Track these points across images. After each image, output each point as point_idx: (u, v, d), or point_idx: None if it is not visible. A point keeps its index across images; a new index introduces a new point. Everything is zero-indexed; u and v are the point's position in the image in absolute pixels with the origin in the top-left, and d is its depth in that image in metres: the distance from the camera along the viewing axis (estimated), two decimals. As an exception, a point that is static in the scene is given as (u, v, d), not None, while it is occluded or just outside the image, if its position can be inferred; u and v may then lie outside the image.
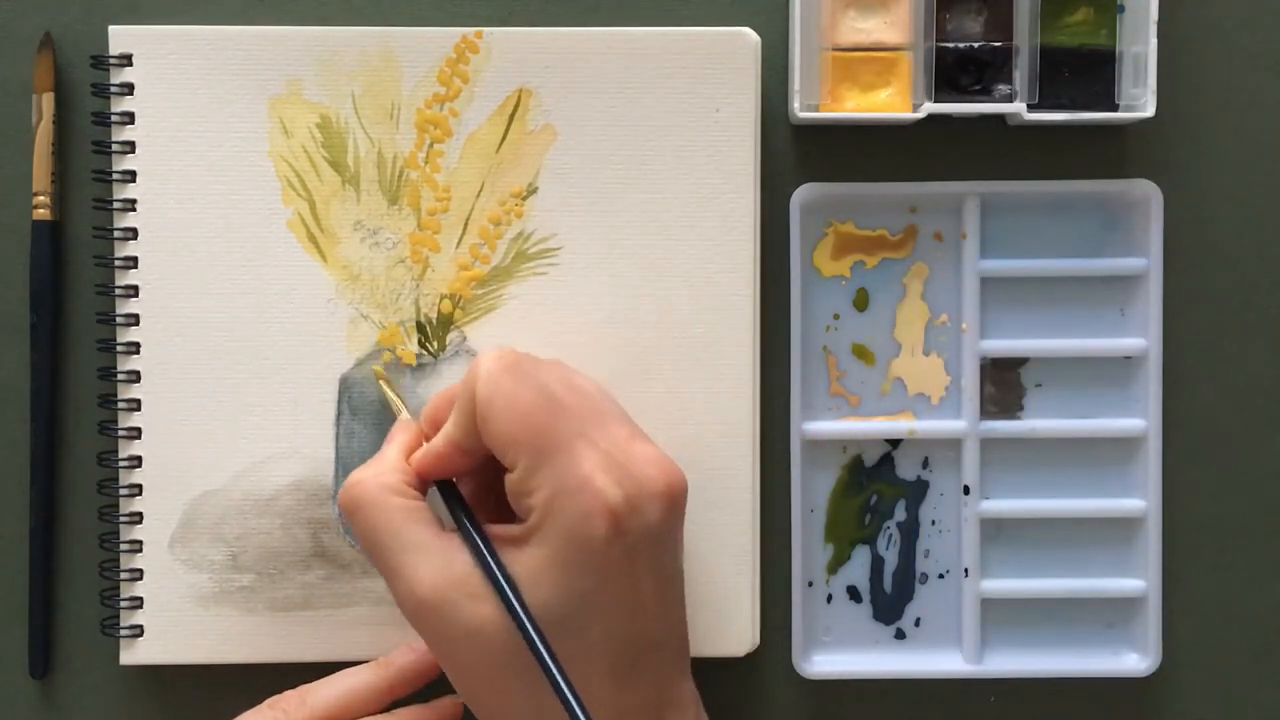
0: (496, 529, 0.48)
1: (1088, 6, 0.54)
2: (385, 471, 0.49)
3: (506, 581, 0.46)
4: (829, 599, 0.57)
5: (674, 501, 0.48)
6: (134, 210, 0.55)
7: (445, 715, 0.54)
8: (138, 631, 0.55)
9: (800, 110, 0.54)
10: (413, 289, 0.55)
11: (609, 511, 0.46)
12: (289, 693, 0.53)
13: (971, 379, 0.56)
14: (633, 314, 0.55)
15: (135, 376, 0.55)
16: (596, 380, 0.51)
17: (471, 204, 0.55)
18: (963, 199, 0.56)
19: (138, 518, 0.55)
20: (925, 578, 0.57)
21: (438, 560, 0.47)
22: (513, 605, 0.46)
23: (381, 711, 0.53)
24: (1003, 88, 0.54)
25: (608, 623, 0.47)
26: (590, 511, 0.46)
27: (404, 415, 0.53)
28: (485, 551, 0.47)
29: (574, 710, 0.44)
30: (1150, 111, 0.54)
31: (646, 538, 0.47)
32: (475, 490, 0.51)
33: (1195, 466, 0.57)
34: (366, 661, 0.54)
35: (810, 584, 0.57)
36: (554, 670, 0.45)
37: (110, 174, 0.55)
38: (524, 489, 0.47)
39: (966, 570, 0.56)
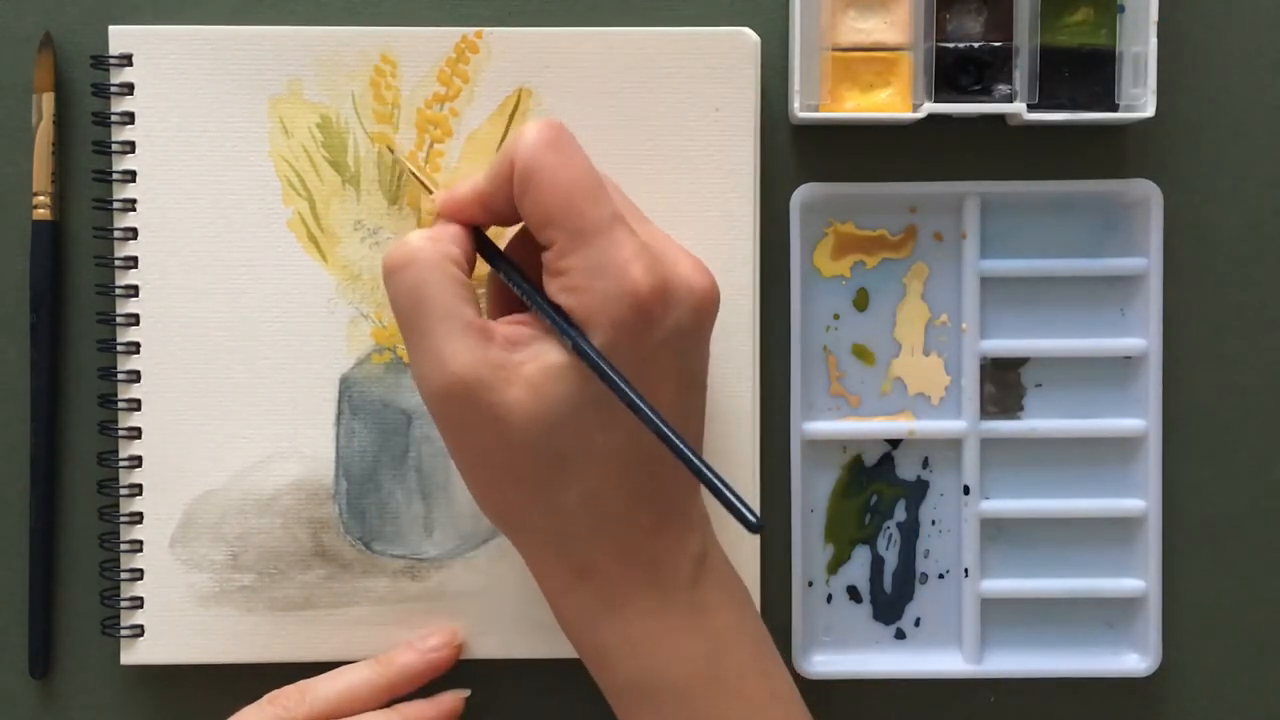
0: (534, 318, 0.47)
1: (1088, 6, 0.54)
2: (445, 240, 0.47)
3: (570, 325, 0.45)
4: (829, 599, 0.57)
5: (706, 305, 0.47)
6: (134, 210, 0.55)
7: (446, 710, 0.54)
8: (138, 631, 0.55)
9: (800, 110, 0.54)
10: (413, 289, 0.55)
11: (639, 300, 0.45)
12: (288, 688, 0.53)
13: (971, 379, 0.56)
14: (633, 314, 0.55)
15: (135, 376, 0.55)
16: None
17: (471, 204, 0.55)
18: (963, 199, 0.56)
19: (138, 518, 0.55)
20: (925, 578, 0.57)
21: (476, 338, 0.46)
22: (573, 337, 0.45)
23: (381, 708, 0.53)
24: (1003, 88, 0.54)
25: (626, 420, 0.45)
26: (623, 296, 0.45)
27: (439, 192, 0.50)
28: (535, 294, 0.46)
29: (655, 424, 0.44)
30: (1150, 111, 0.54)
31: (676, 335, 0.46)
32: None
33: (1195, 466, 0.57)
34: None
35: (810, 584, 0.57)
36: (631, 395, 0.44)
37: (110, 174, 0.55)
38: (559, 268, 0.46)
39: (966, 570, 0.56)
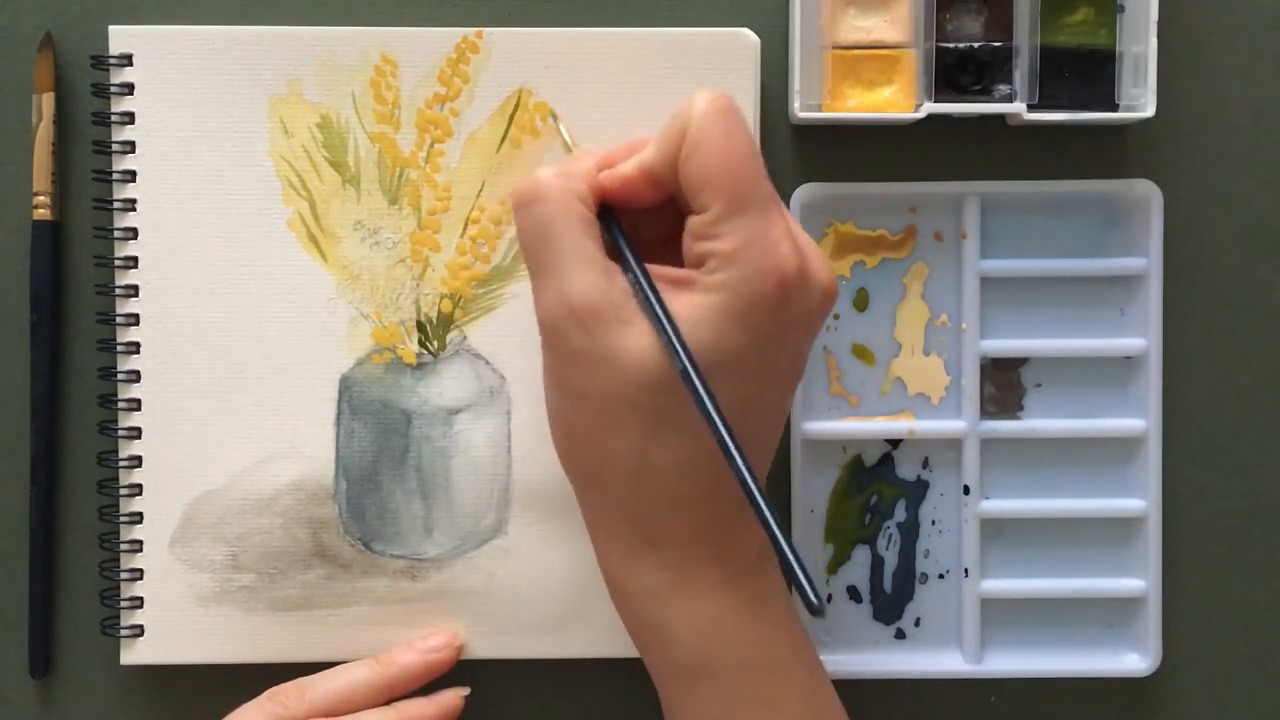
0: (662, 269, 0.47)
1: (1088, 6, 0.54)
2: (574, 177, 0.48)
3: (665, 313, 0.45)
4: (829, 599, 0.57)
5: (830, 297, 0.48)
6: (134, 210, 0.55)
7: (446, 709, 0.54)
8: (138, 631, 0.55)
9: (800, 110, 0.54)
10: (413, 288, 0.55)
11: (785, 278, 0.45)
12: (288, 685, 0.53)
13: (971, 379, 0.56)
14: (633, 314, 0.55)
15: (135, 376, 0.55)
16: None
17: (472, 204, 0.55)
18: (963, 199, 0.56)
19: (138, 518, 0.55)
20: (925, 578, 0.57)
21: (600, 275, 0.46)
22: (668, 331, 0.45)
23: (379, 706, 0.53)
24: (1003, 88, 0.54)
25: (740, 387, 0.46)
26: (769, 271, 0.45)
27: (581, 149, 0.51)
28: (645, 279, 0.46)
29: (726, 443, 0.44)
30: (1150, 111, 0.54)
31: (802, 319, 0.47)
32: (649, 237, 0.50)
33: (1195, 466, 0.57)
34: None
35: (810, 584, 0.57)
36: (705, 398, 0.44)
37: (110, 174, 0.55)
38: (710, 233, 0.46)
39: (966, 570, 0.56)
